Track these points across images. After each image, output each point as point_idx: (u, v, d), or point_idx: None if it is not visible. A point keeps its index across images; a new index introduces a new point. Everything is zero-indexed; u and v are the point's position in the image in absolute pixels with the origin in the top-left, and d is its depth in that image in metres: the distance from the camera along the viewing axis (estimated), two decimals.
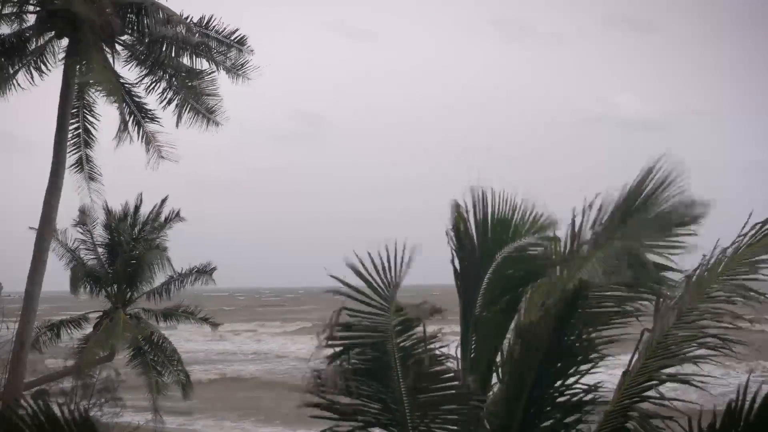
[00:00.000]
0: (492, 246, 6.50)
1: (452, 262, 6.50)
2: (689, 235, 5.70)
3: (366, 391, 5.41)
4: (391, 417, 5.50)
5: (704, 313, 5.19)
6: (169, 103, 20.14)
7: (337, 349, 5.24)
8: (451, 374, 5.54)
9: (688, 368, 5.15)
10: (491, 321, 6.27)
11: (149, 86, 20.00)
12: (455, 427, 5.55)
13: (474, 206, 6.54)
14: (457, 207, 6.47)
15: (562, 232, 6.23)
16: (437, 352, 5.44)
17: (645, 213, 5.83)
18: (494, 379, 6.15)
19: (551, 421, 5.83)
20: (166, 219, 24.27)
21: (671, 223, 5.72)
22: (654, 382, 5.18)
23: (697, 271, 5.42)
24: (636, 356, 5.39)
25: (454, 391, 5.49)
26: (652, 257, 5.67)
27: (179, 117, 20.06)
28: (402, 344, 5.36)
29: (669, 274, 5.73)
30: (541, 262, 6.30)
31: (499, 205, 6.60)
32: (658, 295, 5.54)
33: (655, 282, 5.69)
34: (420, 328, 5.35)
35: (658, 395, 5.17)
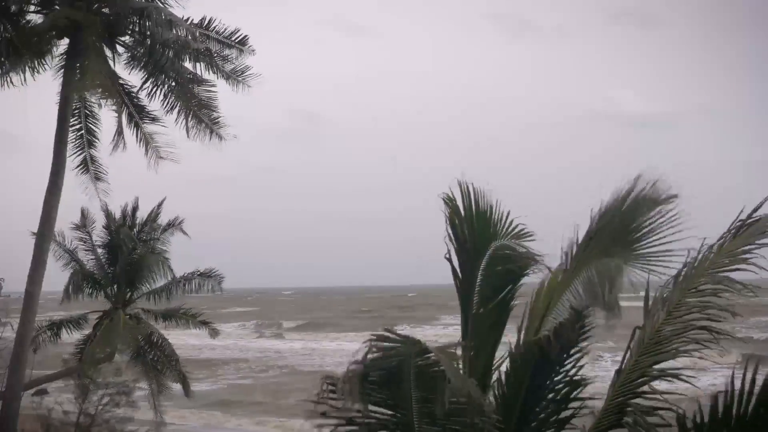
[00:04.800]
0: (480, 240, 6.62)
1: (448, 258, 6.56)
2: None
3: (376, 397, 5.47)
4: (398, 422, 5.57)
5: (692, 307, 5.27)
6: (172, 109, 20.13)
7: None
8: (466, 391, 5.46)
9: (681, 362, 5.23)
10: (488, 317, 6.36)
11: (151, 91, 19.99)
12: None
13: (462, 198, 6.65)
14: (450, 200, 6.57)
15: (537, 243, 6.51)
16: (452, 372, 5.41)
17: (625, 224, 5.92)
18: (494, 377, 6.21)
19: (544, 415, 5.90)
20: (168, 225, 24.32)
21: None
22: (645, 378, 5.25)
23: (684, 269, 5.49)
24: (628, 354, 5.45)
25: (465, 407, 5.44)
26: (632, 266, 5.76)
27: (186, 126, 20.03)
28: (419, 363, 5.37)
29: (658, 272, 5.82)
30: (524, 259, 6.43)
31: (479, 201, 6.74)
32: (646, 298, 5.58)
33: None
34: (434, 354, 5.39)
35: (650, 390, 5.23)
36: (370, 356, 5.17)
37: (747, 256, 5.15)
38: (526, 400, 5.80)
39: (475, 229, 6.67)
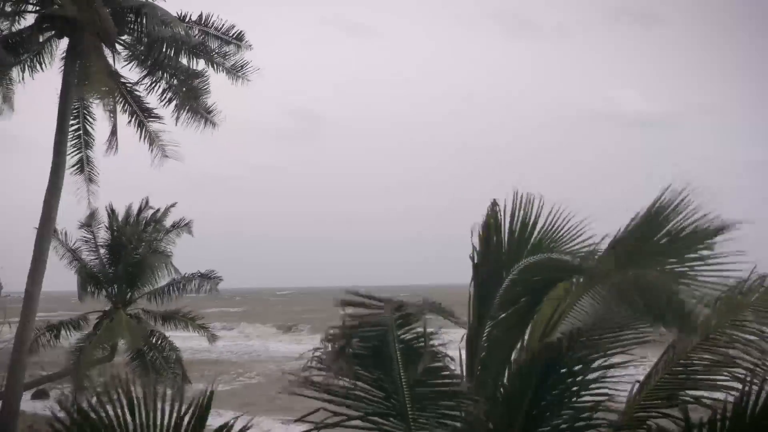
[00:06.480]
0: (518, 248, 5.99)
1: (471, 256, 5.96)
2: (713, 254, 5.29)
3: (368, 378, 5.33)
4: (390, 406, 5.41)
5: (734, 341, 5.06)
6: (169, 102, 20.20)
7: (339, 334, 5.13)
8: (448, 372, 5.41)
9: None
10: (507, 322, 5.91)
11: (149, 86, 20.03)
12: (456, 424, 5.44)
13: (514, 206, 5.99)
14: (494, 204, 6.00)
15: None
16: (436, 349, 5.35)
17: (660, 235, 5.47)
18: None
19: (555, 424, 5.76)
20: (172, 226, 24.33)
21: (693, 242, 5.35)
22: (677, 401, 5.06)
23: (726, 293, 5.15)
24: (654, 369, 5.28)
25: (450, 389, 5.38)
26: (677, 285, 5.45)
27: (177, 117, 20.14)
28: (402, 336, 5.30)
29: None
30: (566, 269, 5.84)
31: (526, 210, 6.00)
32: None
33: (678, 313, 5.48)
34: (420, 326, 5.31)
35: (681, 416, 4.90)
36: (347, 324, 5.02)
37: None
38: (533, 404, 5.61)
39: (517, 237, 5.96)
